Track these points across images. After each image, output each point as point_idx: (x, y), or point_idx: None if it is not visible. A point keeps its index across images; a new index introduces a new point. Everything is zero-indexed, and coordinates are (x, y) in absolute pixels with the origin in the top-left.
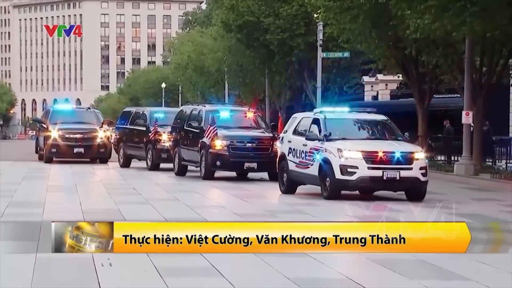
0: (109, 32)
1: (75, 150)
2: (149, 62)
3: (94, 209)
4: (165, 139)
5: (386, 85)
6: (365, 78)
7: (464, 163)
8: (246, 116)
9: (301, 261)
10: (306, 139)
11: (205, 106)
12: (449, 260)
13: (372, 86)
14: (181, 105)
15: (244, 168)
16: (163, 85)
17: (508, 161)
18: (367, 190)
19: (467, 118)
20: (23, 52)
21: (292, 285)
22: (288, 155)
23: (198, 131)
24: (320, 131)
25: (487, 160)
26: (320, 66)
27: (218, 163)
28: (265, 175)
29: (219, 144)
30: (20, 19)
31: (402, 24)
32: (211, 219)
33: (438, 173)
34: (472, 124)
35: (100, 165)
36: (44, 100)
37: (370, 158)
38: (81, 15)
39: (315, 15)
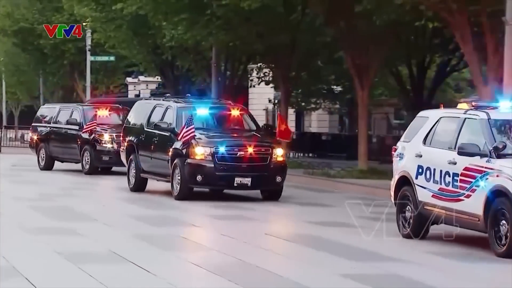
0: None
1: None
2: None
3: None
4: (107, 139)
5: (147, 85)
6: (129, 79)
7: None
8: (232, 115)
9: (70, 238)
10: (459, 153)
11: (176, 102)
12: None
13: (135, 86)
14: None
15: (235, 184)
16: None
17: None
18: None
19: None
20: None
21: (61, 259)
22: (416, 178)
23: (167, 134)
24: (484, 141)
25: None
26: (89, 68)
27: (199, 178)
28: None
29: (200, 153)
30: None
31: (160, 33)
32: None
33: None
34: None
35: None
36: None
37: None
38: None
39: (83, 24)
